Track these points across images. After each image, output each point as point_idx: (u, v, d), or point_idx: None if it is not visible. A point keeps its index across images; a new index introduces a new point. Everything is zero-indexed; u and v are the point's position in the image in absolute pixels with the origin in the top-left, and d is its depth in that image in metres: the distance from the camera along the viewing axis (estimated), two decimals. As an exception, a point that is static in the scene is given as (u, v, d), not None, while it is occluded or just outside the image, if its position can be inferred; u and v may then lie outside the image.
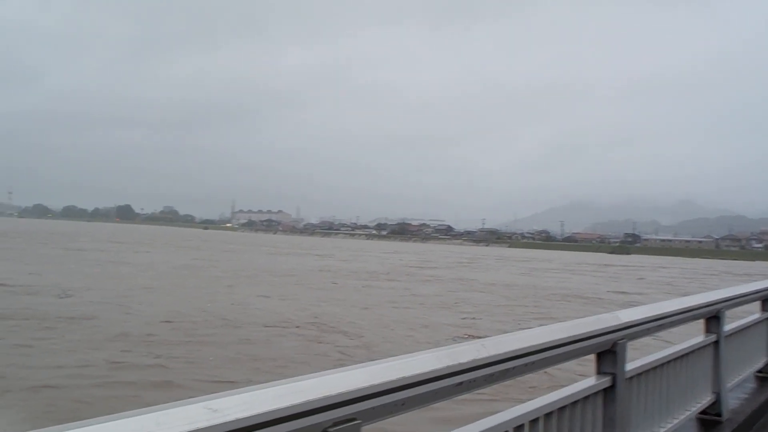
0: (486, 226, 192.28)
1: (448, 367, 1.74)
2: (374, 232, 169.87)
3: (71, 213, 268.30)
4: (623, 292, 31.05)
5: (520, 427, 2.11)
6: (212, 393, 1.22)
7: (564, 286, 33.19)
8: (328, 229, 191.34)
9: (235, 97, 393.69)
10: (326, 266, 42.86)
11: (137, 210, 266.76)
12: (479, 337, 2.41)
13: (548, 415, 2.28)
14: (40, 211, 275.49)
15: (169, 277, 28.41)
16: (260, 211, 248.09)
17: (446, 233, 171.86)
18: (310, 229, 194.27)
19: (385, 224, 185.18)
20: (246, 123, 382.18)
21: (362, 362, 1.64)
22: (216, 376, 10.37)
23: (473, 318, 19.14)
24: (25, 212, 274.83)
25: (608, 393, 2.71)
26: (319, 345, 13.64)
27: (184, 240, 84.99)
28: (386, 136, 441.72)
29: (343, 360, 12.03)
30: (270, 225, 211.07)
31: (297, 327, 15.77)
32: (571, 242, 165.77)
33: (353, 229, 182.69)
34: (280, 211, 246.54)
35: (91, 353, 11.48)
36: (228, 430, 1.13)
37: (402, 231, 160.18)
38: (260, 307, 19.12)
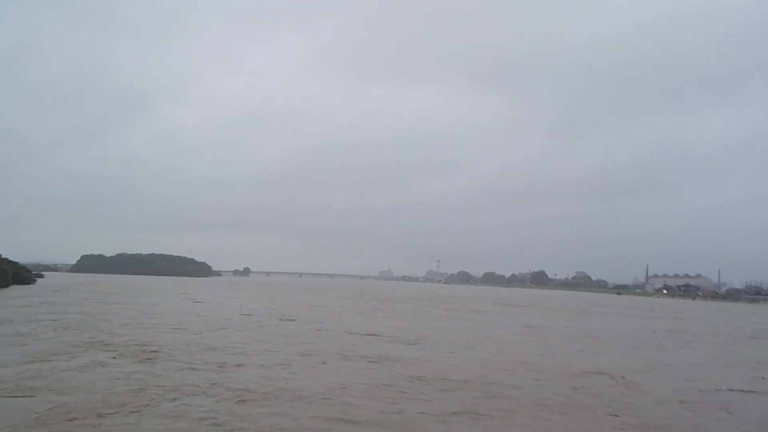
0: None
1: None
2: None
3: (490, 279, 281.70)
4: None
5: None
6: None
7: None
8: (755, 294, 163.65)
9: (650, 165, 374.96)
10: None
11: (550, 275, 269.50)
12: None
13: None
14: (463, 278, 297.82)
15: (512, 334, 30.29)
16: (676, 276, 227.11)
17: None
18: (733, 295, 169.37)
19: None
20: (660, 188, 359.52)
21: None
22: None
23: None
24: (450, 279, 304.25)
25: None
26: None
27: (572, 304, 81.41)
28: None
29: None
30: (688, 290, 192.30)
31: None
32: None
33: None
34: (698, 275, 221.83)
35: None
36: None
37: None
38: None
